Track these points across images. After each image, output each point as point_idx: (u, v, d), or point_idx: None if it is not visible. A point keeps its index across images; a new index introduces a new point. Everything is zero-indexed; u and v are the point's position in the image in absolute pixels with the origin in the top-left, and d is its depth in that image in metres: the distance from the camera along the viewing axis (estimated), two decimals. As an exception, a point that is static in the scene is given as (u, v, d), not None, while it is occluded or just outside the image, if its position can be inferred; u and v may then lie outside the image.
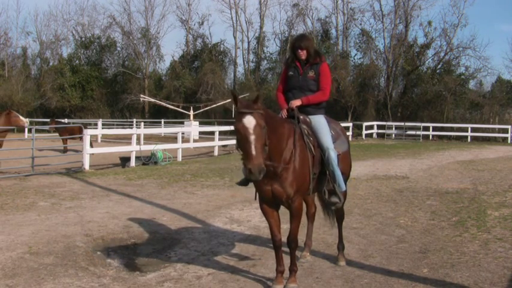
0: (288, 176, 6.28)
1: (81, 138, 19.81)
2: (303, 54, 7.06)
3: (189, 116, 45.19)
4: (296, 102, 6.95)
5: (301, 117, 6.88)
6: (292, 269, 6.69)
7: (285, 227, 8.32)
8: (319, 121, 7.05)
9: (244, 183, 6.73)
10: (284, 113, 6.98)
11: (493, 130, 43.96)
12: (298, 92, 7.09)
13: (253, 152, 5.61)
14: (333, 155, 6.83)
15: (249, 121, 5.68)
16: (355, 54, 57.74)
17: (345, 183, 7.27)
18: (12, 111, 18.73)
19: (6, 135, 18.84)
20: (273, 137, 6.09)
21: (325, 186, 7.04)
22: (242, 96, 46.49)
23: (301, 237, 8.27)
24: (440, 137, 43.11)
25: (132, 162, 21.01)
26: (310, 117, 7.04)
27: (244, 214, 11.22)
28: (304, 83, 7.08)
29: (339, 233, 7.98)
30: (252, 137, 5.63)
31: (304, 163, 6.46)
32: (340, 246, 7.87)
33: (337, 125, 7.61)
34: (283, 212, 6.83)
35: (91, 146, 20.48)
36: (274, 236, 6.65)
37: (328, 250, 8.40)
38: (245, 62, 63.42)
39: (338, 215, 7.98)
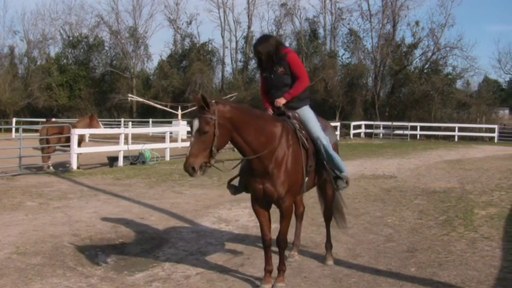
0: (280, 175, 6.31)
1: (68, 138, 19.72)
2: (263, 59, 6.95)
3: (177, 115, 45.09)
4: (281, 101, 6.92)
5: (290, 113, 6.89)
6: (281, 269, 6.72)
7: (273, 226, 8.33)
8: (306, 112, 7.06)
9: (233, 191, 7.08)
10: (270, 113, 7.00)
11: (480, 130, 44.21)
12: (275, 92, 7.03)
13: (188, 153, 5.87)
14: (325, 142, 6.85)
15: (194, 125, 5.91)
16: (343, 54, 57.83)
17: None
18: (94, 116, 22.18)
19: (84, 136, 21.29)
20: (261, 136, 6.21)
21: (329, 175, 7.09)
22: (230, 95, 46.71)
23: (290, 237, 8.28)
24: (428, 137, 43.27)
25: (120, 162, 20.95)
26: (297, 111, 7.03)
27: (232, 214, 11.23)
28: (277, 81, 6.99)
29: (327, 232, 8.00)
30: (192, 139, 5.92)
31: (297, 161, 6.48)
32: (328, 245, 7.89)
33: (323, 121, 7.61)
34: (273, 211, 6.84)
35: (79, 145, 20.40)
36: (264, 236, 6.69)
37: (317, 249, 8.42)
38: (233, 62, 63.42)
39: (326, 215, 8.03)
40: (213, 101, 5.97)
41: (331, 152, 6.93)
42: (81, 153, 20.58)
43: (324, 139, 6.88)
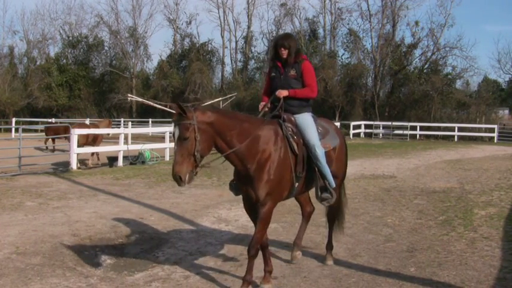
0: (260, 178, 6.24)
1: (67, 138, 19.76)
2: (285, 53, 6.91)
3: (176, 115, 44.98)
4: (283, 93, 6.87)
5: (285, 116, 6.83)
6: (245, 279, 6.52)
7: (273, 226, 8.33)
8: (305, 119, 6.95)
9: (235, 192, 7.08)
10: (261, 107, 7.01)
11: (479, 130, 44.18)
12: None
13: (174, 162, 5.88)
14: (319, 151, 6.73)
15: (175, 132, 5.89)
16: (343, 54, 57.83)
17: (342, 183, 7.38)
18: (110, 119, 27.26)
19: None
20: (245, 140, 6.15)
21: (318, 183, 6.98)
22: (230, 95, 46.72)
23: (291, 237, 8.30)
24: (428, 137, 43.29)
25: (120, 162, 20.95)
26: (296, 116, 6.94)
27: (232, 213, 11.22)
28: (285, 82, 6.96)
29: (329, 234, 7.98)
30: (176, 147, 5.89)
31: (283, 165, 6.40)
32: (329, 246, 7.86)
33: (327, 122, 7.53)
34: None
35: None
36: (260, 236, 6.64)
37: (316, 249, 8.41)
38: (233, 62, 63.47)
39: (329, 217, 7.97)
40: (191, 107, 5.96)
41: (324, 162, 6.81)
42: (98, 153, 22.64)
43: (319, 148, 6.75)
